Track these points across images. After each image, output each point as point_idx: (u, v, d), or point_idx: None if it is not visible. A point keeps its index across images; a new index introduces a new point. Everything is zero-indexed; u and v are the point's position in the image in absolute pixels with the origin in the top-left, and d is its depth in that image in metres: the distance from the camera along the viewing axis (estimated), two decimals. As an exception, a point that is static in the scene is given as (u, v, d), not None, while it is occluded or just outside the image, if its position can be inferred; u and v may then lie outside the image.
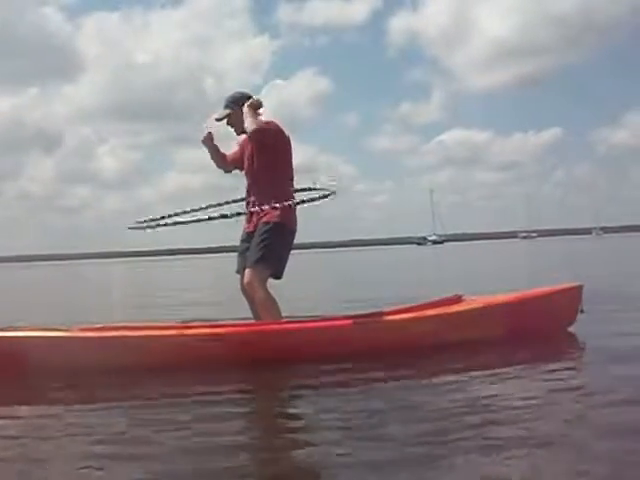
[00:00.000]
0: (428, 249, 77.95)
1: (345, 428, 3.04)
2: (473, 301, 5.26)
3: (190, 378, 4.25)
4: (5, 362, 4.33)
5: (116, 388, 4.08)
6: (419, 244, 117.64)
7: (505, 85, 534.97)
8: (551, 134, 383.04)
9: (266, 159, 4.93)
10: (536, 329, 5.05)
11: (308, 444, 2.88)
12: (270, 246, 4.79)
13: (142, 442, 2.95)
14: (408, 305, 5.21)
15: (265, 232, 4.83)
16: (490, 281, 12.74)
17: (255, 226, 4.94)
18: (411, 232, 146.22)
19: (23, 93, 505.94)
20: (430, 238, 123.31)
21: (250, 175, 5.07)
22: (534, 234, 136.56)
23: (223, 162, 5.28)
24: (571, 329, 5.34)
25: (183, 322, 5.13)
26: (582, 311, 5.25)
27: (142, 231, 4.92)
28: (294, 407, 3.75)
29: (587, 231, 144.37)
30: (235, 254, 5.14)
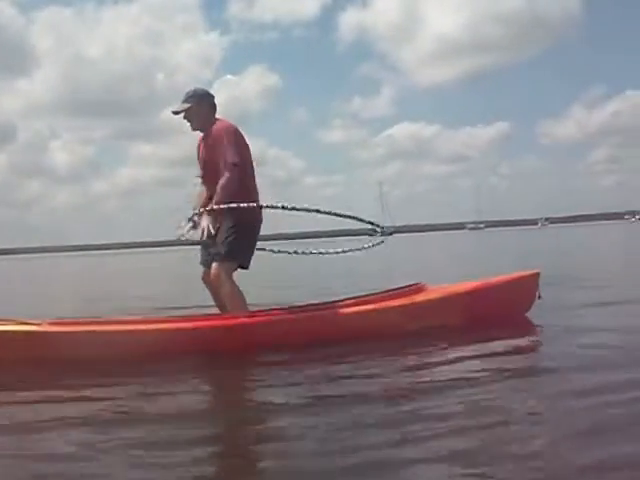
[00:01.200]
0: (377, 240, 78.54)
1: (299, 414, 3.19)
2: (435, 290, 5.37)
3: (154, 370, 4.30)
4: None
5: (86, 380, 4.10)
6: (370, 235, 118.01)
7: (453, 80, 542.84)
8: (498, 128, 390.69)
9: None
10: (496, 315, 5.18)
11: (264, 436, 2.96)
12: (236, 241, 4.89)
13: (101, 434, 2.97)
14: (372, 294, 5.31)
15: (231, 227, 4.91)
16: (442, 271, 12.97)
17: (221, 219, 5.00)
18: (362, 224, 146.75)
19: None
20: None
21: (212, 172, 5.05)
22: (482, 225, 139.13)
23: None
24: (528, 314, 5.51)
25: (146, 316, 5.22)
26: (539, 297, 5.42)
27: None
28: (256, 397, 3.80)
29: (533, 222, 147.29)
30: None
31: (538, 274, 5.49)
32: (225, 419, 3.37)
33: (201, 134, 5.21)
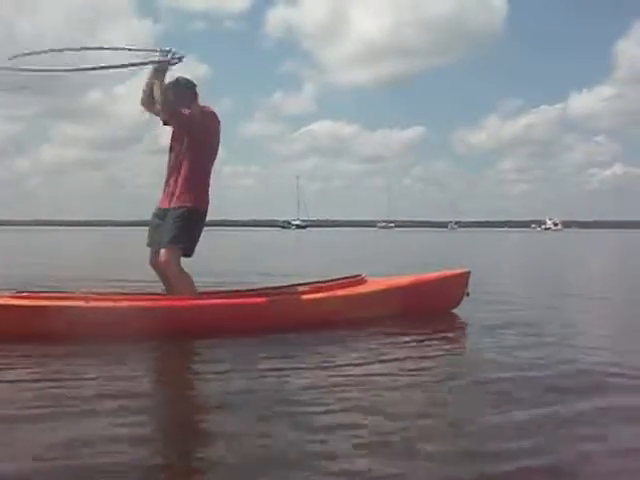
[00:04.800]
0: (292, 233, 79.13)
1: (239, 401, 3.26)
2: (375, 282, 5.74)
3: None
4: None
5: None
6: (283, 227, 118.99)
7: (374, 82, 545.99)
8: (414, 132, 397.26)
9: (193, 143, 5.17)
10: (428, 308, 5.60)
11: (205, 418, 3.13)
12: (183, 228, 5.05)
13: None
14: (318, 282, 5.62)
15: (179, 215, 5.07)
16: (358, 264, 13.22)
17: (169, 204, 5.17)
18: (276, 216, 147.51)
19: None
20: (294, 222, 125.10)
21: (174, 154, 5.25)
22: (392, 224, 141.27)
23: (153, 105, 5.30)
24: (455, 310, 5.97)
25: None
26: (468, 294, 5.90)
27: None
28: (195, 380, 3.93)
29: (443, 224, 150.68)
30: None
31: (469, 273, 5.96)
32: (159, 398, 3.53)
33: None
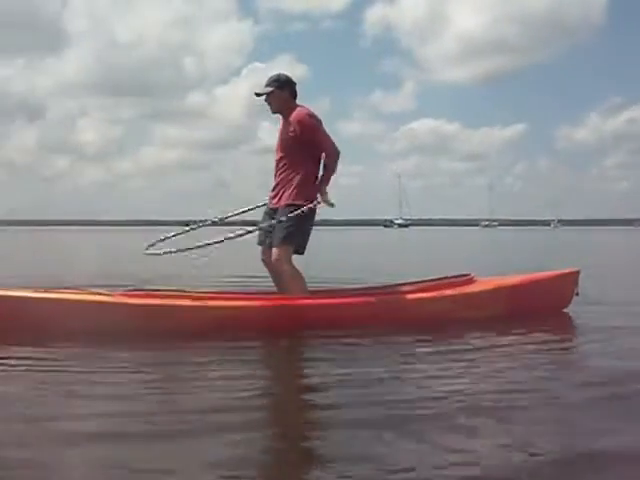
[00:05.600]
0: (394, 232, 78.88)
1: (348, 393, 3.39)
2: (484, 282, 5.75)
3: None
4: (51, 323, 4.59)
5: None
6: (385, 226, 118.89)
7: (474, 79, 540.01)
8: (515, 129, 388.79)
9: (302, 145, 5.28)
10: (537, 309, 5.61)
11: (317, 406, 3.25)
12: (293, 227, 5.15)
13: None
14: (426, 281, 5.68)
15: (289, 213, 5.16)
16: (464, 263, 13.16)
17: (279, 202, 5.32)
18: (378, 215, 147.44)
19: (10, 64, 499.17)
20: (397, 221, 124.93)
21: (289, 156, 5.37)
22: (495, 223, 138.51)
23: None
24: (566, 310, 5.93)
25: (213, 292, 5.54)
26: (577, 294, 5.86)
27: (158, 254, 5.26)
28: (309, 376, 4.03)
29: (545, 223, 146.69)
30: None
31: (578, 272, 5.90)
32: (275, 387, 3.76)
33: (282, 119, 5.44)
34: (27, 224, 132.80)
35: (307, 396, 3.50)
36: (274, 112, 5.48)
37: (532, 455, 2.51)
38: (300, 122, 5.28)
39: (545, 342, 4.85)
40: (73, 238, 42.73)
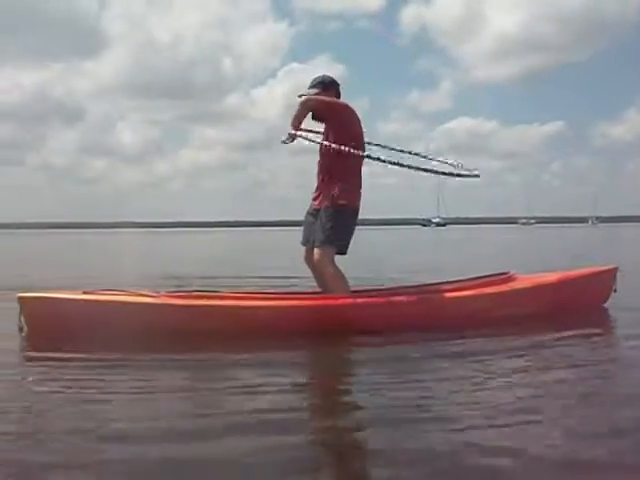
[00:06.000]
0: (432, 230, 78.60)
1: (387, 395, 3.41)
2: (524, 279, 5.81)
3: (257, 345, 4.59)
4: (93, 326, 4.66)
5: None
6: (424, 225, 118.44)
7: (510, 78, 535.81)
8: (553, 127, 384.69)
9: (334, 137, 5.21)
10: (576, 306, 5.67)
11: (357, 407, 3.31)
12: (335, 227, 5.18)
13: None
14: (466, 280, 5.74)
15: (332, 214, 5.20)
16: (504, 261, 13.11)
17: (321, 203, 5.32)
18: (416, 214, 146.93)
19: (49, 68, 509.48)
20: (434, 220, 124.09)
21: (320, 152, 5.39)
22: (532, 220, 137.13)
23: None
24: (605, 305, 6.00)
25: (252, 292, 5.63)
26: (615, 290, 5.93)
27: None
28: (351, 375, 4.13)
29: (583, 220, 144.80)
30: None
31: (616, 269, 5.98)
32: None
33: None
34: (65, 227, 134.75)
35: (352, 397, 3.55)
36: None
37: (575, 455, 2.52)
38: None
39: (588, 337, 4.95)
40: (112, 240, 43.27)
